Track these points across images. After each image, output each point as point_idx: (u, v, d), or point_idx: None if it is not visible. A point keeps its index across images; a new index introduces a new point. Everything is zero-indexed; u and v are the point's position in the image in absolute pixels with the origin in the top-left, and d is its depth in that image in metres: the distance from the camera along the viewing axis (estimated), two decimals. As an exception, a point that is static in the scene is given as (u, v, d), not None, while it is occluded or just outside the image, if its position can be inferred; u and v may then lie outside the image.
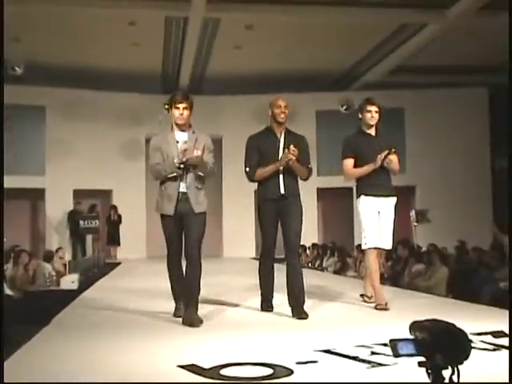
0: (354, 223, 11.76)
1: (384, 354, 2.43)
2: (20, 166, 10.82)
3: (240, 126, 10.79)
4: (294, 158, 3.62)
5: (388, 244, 4.04)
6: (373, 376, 2.23)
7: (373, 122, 4.04)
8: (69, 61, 10.73)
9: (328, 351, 2.57)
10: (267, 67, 11.25)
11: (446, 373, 1.26)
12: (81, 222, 10.42)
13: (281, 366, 2.31)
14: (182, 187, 3.48)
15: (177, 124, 3.55)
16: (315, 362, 2.40)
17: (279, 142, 3.77)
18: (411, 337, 1.32)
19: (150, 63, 11.10)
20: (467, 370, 1.29)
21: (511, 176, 8.65)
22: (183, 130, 3.56)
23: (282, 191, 3.73)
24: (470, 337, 1.37)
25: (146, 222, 11.83)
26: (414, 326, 1.33)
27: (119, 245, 11.68)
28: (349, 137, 4.18)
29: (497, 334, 2.80)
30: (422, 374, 1.30)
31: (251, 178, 3.83)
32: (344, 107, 11.17)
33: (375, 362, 2.37)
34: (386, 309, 3.86)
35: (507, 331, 2.81)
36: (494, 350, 2.56)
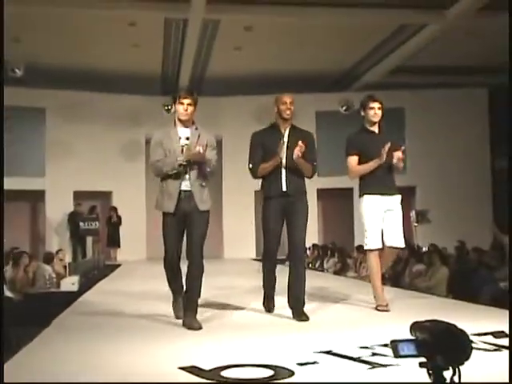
0: (355, 224, 11.78)
1: (385, 355, 2.42)
2: (20, 167, 10.83)
3: (240, 127, 10.80)
4: (299, 153, 3.52)
5: (400, 242, 3.93)
6: (374, 377, 2.23)
7: (376, 119, 3.98)
8: (69, 62, 10.74)
9: (329, 352, 2.56)
10: (267, 68, 11.26)
11: (447, 373, 1.26)
12: (81, 224, 10.43)
13: (282, 368, 2.31)
14: (185, 185, 3.39)
15: (180, 120, 3.48)
16: (316, 363, 2.40)
17: (283, 138, 3.69)
18: (412, 337, 1.32)
19: (150, 64, 11.11)
20: (468, 370, 1.29)
21: (511, 176, 8.65)
22: (186, 127, 3.49)
23: (285, 188, 3.65)
24: (471, 337, 1.37)
25: (146, 223, 11.83)
26: (415, 327, 1.33)
27: (119, 246, 11.68)
28: (352, 134, 4.11)
29: (497, 335, 2.80)
30: (422, 375, 1.30)
31: (254, 174, 3.76)
32: (344, 108, 11.18)
33: (376, 363, 2.36)
34: (386, 310, 3.85)
35: (508, 331, 2.81)
36: (495, 350, 2.56)
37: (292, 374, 2.25)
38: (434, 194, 11.63)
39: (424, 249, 8.42)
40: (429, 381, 1.28)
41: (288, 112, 3.71)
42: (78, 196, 11.70)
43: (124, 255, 11.43)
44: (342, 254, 9.00)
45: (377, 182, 3.90)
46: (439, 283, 6.20)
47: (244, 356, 2.54)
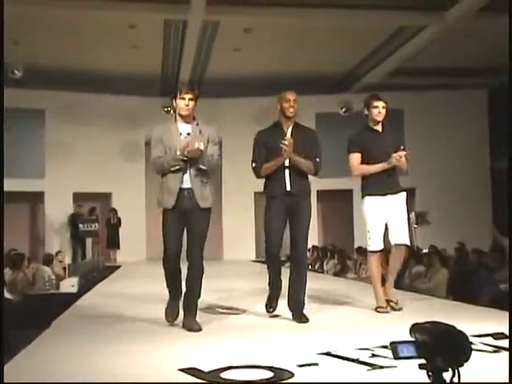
0: (354, 225, 11.78)
1: (385, 357, 2.42)
2: (19, 169, 10.83)
3: (240, 129, 10.82)
4: (286, 148, 3.46)
5: (405, 239, 3.87)
6: (373, 378, 2.22)
7: (380, 118, 3.92)
8: (68, 64, 10.75)
9: (328, 354, 2.56)
10: (266, 70, 11.28)
11: (447, 375, 1.26)
12: (80, 226, 10.42)
13: (281, 369, 2.31)
14: (186, 182, 3.31)
15: (181, 115, 3.40)
16: (316, 364, 2.40)
17: (286, 136, 3.61)
18: (412, 339, 1.32)
19: (150, 66, 11.12)
20: (468, 371, 1.29)
21: (511, 177, 8.65)
22: (187, 122, 3.41)
23: (288, 188, 3.56)
24: (471, 339, 1.37)
25: (146, 224, 11.84)
26: (415, 328, 1.33)
27: (119, 248, 11.68)
28: (355, 132, 4.06)
29: (497, 336, 2.80)
30: (422, 376, 1.30)
31: (258, 174, 3.67)
32: (343, 110, 11.19)
33: (376, 365, 2.36)
34: (386, 311, 3.85)
35: (507, 333, 2.81)
36: (495, 351, 2.56)
37: (292, 375, 2.25)
38: (434, 196, 11.64)
39: (424, 250, 8.42)
40: (428, 382, 1.28)
41: (291, 110, 3.64)
42: (78, 197, 11.69)
43: (124, 256, 11.43)
44: (342, 255, 9.00)
45: (379, 183, 3.84)
46: (439, 285, 6.21)
47: (244, 357, 2.54)
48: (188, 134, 3.37)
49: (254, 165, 3.67)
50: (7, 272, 6.26)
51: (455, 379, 1.25)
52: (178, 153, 3.26)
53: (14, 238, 9.80)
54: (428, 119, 12.06)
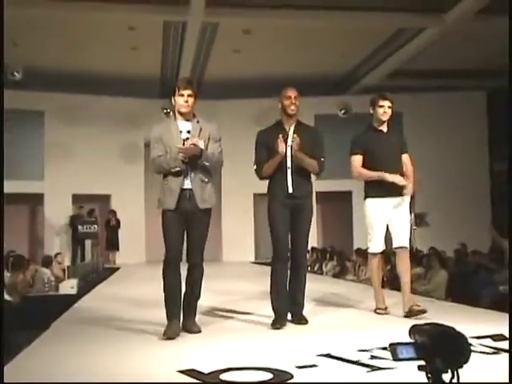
0: (354, 227, 11.78)
1: (384, 358, 2.42)
2: (19, 170, 10.83)
3: (239, 130, 10.82)
4: (296, 146, 3.34)
5: (404, 241, 3.77)
6: (373, 380, 2.22)
7: (385, 118, 3.82)
8: (67, 65, 10.76)
9: (328, 355, 2.56)
10: (265, 71, 11.29)
11: (446, 376, 1.26)
12: (79, 227, 10.42)
13: (281, 371, 2.31)
14: (187, 183, 3.21)
15: (180, 113, 3.28)
16: (315, 366, 2.40)
17: (288, 135, 3.50)
18: (411, 340, 1.32)
19: (149, 67, 11.13)
20: (467, 373, 1.29)
21: (511, 178, 8.65)
22: (187, 120, 3.28)
23: (291, 189, 3.46)
24: (470, 340, 1.37)
25: (145, 226, 11.83)
26: (414, 330, 1.33)
27: (118, 250, 11.68)
28: (358, 133, 3.96)
29: (496, 338, 2.80)
30: (421, 378, 1.30)
31: (259, 175, 3.56)
32: (342, 111, 11.21)
33: (375, 366, 2.36)
34: (385, 313, 3.85)
35: (507, 334, 2.81)
36: (494, 353, 2.56)
37: (291, 377, 2.25)
38: (433, 197, 11.65)
39: (424, 251, 8.42)
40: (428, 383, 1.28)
41: (292, 107, 3.52)
42: (77, 199, 11.69)
43: (123, 258, 11.42)
44: (341, 257, 9.00)
45: (382, 185, 3.73)
46: (438, 286, 6.21)
47: (243, 359, 2.54)
48: (188, 131, 3.26)
49: (255, 166, 3.57)
50: (6, 274, 6.25)
51: (454, 381, 1.25)
52: (180, 156, 3.16)
53: (14, 240, 9.79)
54: (427, 121, 12.07)
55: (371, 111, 3.88)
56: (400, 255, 3.82)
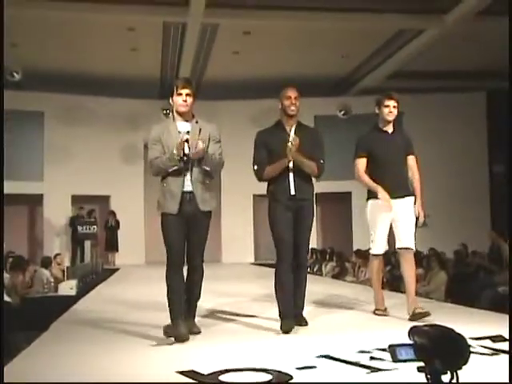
0: (353, 228, 11.78)
1: (383, 359, 2.42)
2: (18, 171, 10.83)
3: (238, 132, 10.82)
4: (293, 148, 3.27)
5: (409, 242, 3.66)
6: (372, 381, 2.22)
7: (390, 118, 3.75)
8: (67, 66, 10.76)
9: (327, 356, 2.56)
10: (265, 72, 11.30)
11: (446, 378, 1.26)
12: (79, 228, 10.42)
13: (280, 372, 2.31)
14: (187, 185, 3.13)
15: (179, 113, 3.20)
16: (314, 367, 2.39)
17: (289, 136, 3.42)
18: (410, 342, 1.32)
19: (149, 68, 11.14)
20: (466, 374, 1.29)
21: (511, 180, 8.64)
22: (186, 120, 3.21)
23: (293, 192, 3.40)
24: (469, 341, 1.37)
25: (145, 227, 11.83)
26: (413, 331, 1.33)
27: (117, 251, 11.67)
28: (363, 134, 3.88)
29: (495, 339, 2.80)
30: (421, 379, 1.30)
31: (260, 177, 3.46)
32: (342, 112, 11.21)
33: (374, 367, 2.36)
34: (384, 314, 3.84)
35: (506, 335, 2.81)
36: (493, 354, 2.56)
37: (290, 378, 2.25)
38: (432, 198, 11.65)
39: (424, 252, 8.42)
40: (427, 385, 1.28)
41: (293, 108, 3.45)
42: (77, 200, 11.69)
43: (122, 259, 11.42)
44: (341, 258, 9.00)
45: (387, 186, 3.66)
46: (438, 287, 6.21)
47: (242, 360, 2.53)
48: (187, 132, 3.17)
49: (255, 168, 3.47)
50: (5, 275, 6.25)
51: (454, 382, 1.25)
52: (175, 151, 3.07)
53: (13, 241, 9.79)
54: (427, 122, 12.08)
55: (376, 111, 3.81)
56: (404, 256, 3.73)
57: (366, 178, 3.76)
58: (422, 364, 1.27)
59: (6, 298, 5.35)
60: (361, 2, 8.60)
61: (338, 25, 9.27)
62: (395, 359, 1.28)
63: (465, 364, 1.26)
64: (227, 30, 9.43)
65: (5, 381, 2.14)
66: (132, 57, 10.47)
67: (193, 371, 2.34)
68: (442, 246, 8.76)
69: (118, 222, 11.65)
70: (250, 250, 12.24)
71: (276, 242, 3.41)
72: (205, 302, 3.45)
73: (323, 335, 3.23)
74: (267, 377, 2.26)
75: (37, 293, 6.26)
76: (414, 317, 3.52)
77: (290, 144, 3.31)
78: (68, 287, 5.96)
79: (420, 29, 9.49)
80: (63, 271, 7.72)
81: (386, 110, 3.74)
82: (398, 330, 2.99)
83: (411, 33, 9.68)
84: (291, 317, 3.34)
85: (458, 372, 1.26)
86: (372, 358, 2.51)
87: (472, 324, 3.26)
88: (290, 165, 3.40)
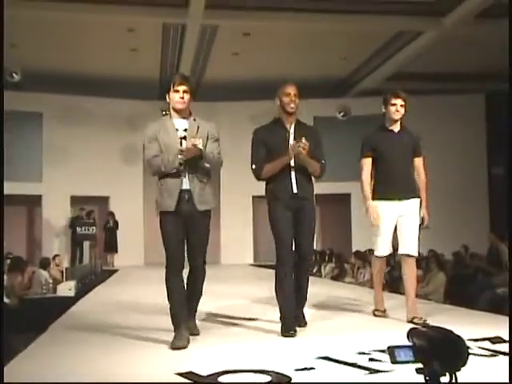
0: (352, 229, 11.78)
1: (382, 361, 2.42)
2: (17, 172, 10.82)
3: (238, 133, 10.82)
4: (303, 151, 3.18)
5: (411, 249, 3.58)
6: (371, 382, 2.22)
7: (397, 117, 3.66)
8: (66, 67, 10.76)
9: (326, 358, 2.56)
10: (265, 74, 11.30)
11: (444, 379, 1.26)
12: (78, 229, 10.42)
13: (279, 373, 2.31)
14: (185, 184, 3.05)
15: (176, 110, 3.10)
16: (313, 368, 2.39)
17: (289, 134, 3.34)
18: (409, 343, 1.32)
19: (148, 69, 11.14)
20: (465, 376, 1.29)
21: (510, 182, 8.65)
22: (183, 117, 3.11)
23: (295, 190, 3.29)
24: (468, 343, 1.37)
25: (144, 228, 11.82)
26: (412, 333, 1.33)
27: (116, 252, 11.66)
28: (369, 133, 3.79)
29: (494, 340, 2.81)
30: (419, 381, 1.30)
31: (258, 175, 3.36)
32: (341, 114, 11.23)
33: (373, 369, 2.36)
34: (384, 315, 3.84)
35: (504, 337, 2.82)
36: (492, 355, 2.56)
37: (289, 379, 2.25)
38: (431, 199, 11.66)
39: (424, 254, 8.43)
40: (426, 387, 1.28)
41: (292, 105, 3.34)
42: (76, 201, 11.68)
43: (121, 260, 11.40)
44: (340, 259, 9.01)
45: (392, 187, 3.60)
46: (437, 289, 6.21)
47: (241, 362, 2.53)
48: (185, 130, 3.09)
49: (254, 166, 3.36)
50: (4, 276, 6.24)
51: (452, 383, 1.25)
52: (180, 157, 3.00)
53: (11, 242, 9.78)
54: (426, 123, 12.08)
55: (383, 110, 3.71)
56: (407, 262, 3.64)
57: (365, 184, 3.68)
58: (420, 365, 1.27)
59: (5, 299, 5.34)
60: (360, 4, 8.61)
61: (338, 26, 9.29)
62: (394, 361, 1.28)
63: (463, 365, 1.26)
64: (227, 31, 9.44)
65: (5, 381, 2.14)
66: (132, 57, 10.48)
67: (192, 373, 2.34)
68: (440, 248, 8.77)
69: (117, 223, 11.64)
70: (249, 251, 12.23)
71: (277, 243, 3.30)
72: (204, 304, 3.43)
73: (322, 337, 3.23)
74: (266, 378, 2.25)
75: (35, 294, 6.25)
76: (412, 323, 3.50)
77: (299, 148, 3.20)
78: (67, 288, 5.95)
79: (419, 31, 9.51)
80: (62, 272, 7.72)
81: (392, 109, 3.66)
82: (396, 332, 2.99)
83: (410, 35, 9.70)
84: (293, 321, 3.26)
85: (457, 373, 1.26)
86: (371, 360, 2.51)
87: (471, 325, 3.26)
88: (292, 163, 3.29)
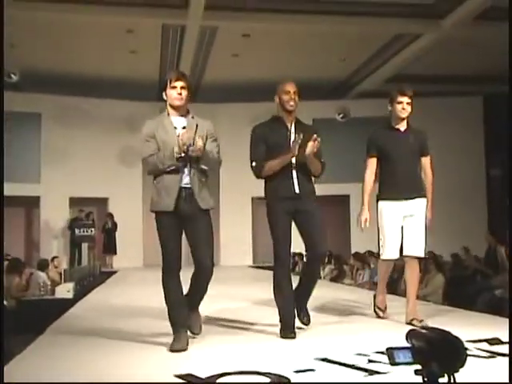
0: (351, 231, 11.78)
1: (381, 362, 2.42)
2: (15, 173, 10.79)
3: (237, 134, 10.83)
4: (314, 149, 3.13)
5: (418, 250, 3.52)
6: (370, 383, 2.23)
7: (403, 115, 3.55)
8: (65, 67, 10.76)
9: (325, 359, 2.56)
10: (264, 75, 11.30)
11: (443, 380, 1.27)
12: (76, 230, 10.40)
13: (278, 375, 2.31)
14: (185, 181, 2.92)
15: (174, 107, 3.01)
16: (312, 370, 2.39)
17: (290, 133, 3.28)
18: (408, 345, 1.32)
19: (147, 70, 11.14)
20: (463, 377, 1.29)
21: (511, 183, 8.65)
22: (181, 115, 3.02)
23: (297, 189, 3.21)
24: (466, 344, 1.37)
25: (143, 229, 11.81)
26: (411, 334, 1.33)
27: (115, 253, 11.65)
28: (374, 132, 3.71)
29: (492, 342, 2.81)
30: (418, 382, 1.30)
31: (258, 173, 3.26)
32: (340, 115, 11.23)
33: (372, 370, 2.36)
34: (384, 316, 3.84)
35: (503, 338, 2.82)
36: (490, 357, 2.56)
37: (288, 381, 2.25)
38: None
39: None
40: (424, 388, 1.28)
41: (292, 103, 3.27)
42: (74, 202, 11.67)
43: (120, 262, 11.39)
44: (339, 261, 9.01)
45: (397, 187, 3.52)
46: (435, 290, 6.22)
47: (240, 363, 2.53)
48: (183, 127, 2.98)
49: (253, 164, 3.25)
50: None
51: None
52: (176, 150, 2.87)
53: (9, 243, 9.75)
54: (424, 126, 12.03)
55: (389, 108, 3.62)
56: (410, 264, 3.57)
57: (366, 185, 3.64)
58: (419, 367, 1.27)
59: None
60: (359, 6, 8.63)
61: (337, 28, 9.30)
62: (393, 362, 1.29)
63: (462, 367, 1.27)
64: (226, 33, 9.44)
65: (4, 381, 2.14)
66: (131, 59, 10.48)
67: (190, 374, 2.34)
68: (439, 249, 8.77)
69: (115, 225, 11.63)
70: (248, 252, 12.22)
71: (275, 244, 3.23)
72: (203, 305, 3.43)
73: (321, 338, 3.23)
74: (265, 380, 2.25)
75: (33, 296, 6.24)
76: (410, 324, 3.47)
77: (311, 148, 3.15)
78: (65, 290, 5.94)
79: (418, 33, 9.53)
80: (60, 274, 7.71)
81: (398, 107, 3.55)
82: (395, 333, 2.99)
83: (409, 37, 9.72)
84: (293, 323, 3.21)
85: (455, 375, 1.26)
86: (370, 361, 2.51)
87: (469, 327, 3.26)
88: (293, 161, 3.22)
